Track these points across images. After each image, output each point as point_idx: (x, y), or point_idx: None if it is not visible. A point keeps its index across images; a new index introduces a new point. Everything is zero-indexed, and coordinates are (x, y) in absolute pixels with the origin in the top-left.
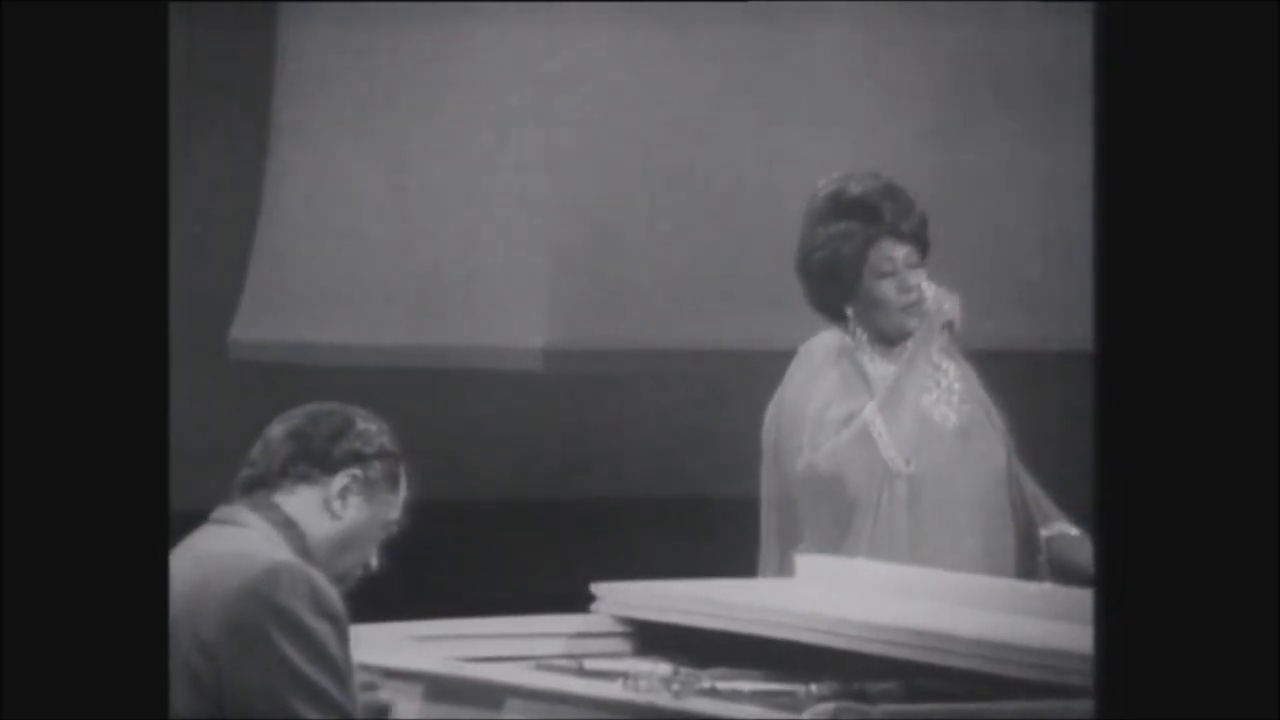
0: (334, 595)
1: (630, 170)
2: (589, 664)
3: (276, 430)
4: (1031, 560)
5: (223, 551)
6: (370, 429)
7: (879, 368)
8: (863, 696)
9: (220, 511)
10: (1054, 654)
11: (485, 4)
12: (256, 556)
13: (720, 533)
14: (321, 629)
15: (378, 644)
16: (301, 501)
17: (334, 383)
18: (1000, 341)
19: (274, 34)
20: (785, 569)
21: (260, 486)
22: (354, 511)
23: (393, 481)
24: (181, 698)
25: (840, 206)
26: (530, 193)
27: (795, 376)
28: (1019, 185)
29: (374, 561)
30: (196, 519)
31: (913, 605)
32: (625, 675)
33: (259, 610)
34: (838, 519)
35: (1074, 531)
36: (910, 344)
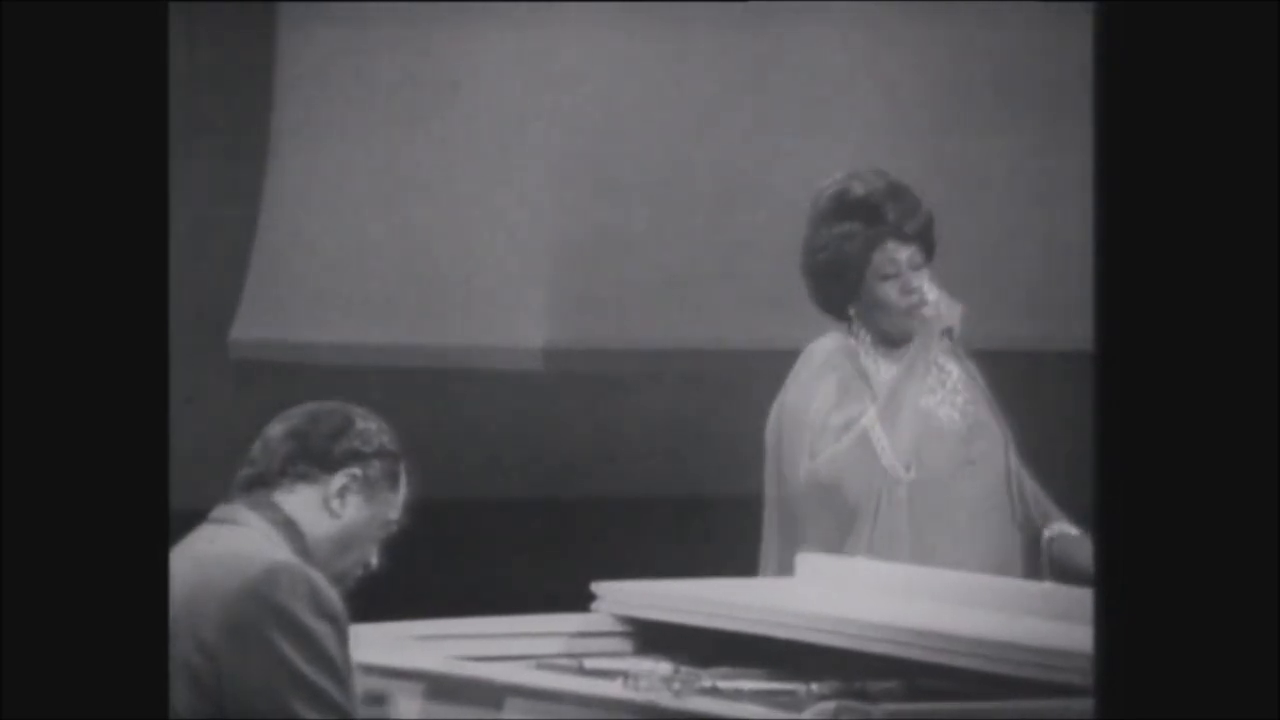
0: (334, 595)
1: (630, 170)
2: (589, 663)
3: (276, 429)
4: (1034, 560)
5: (222, 551)
6: (370, 428)
7: (881, 369)
8: (863, 695)
9: (220, 511)
10: (1054, 653)
11: (485, 4)
12: (256, 556)
13: (720, 533)
14: (321, 629)
15: (378, 644)
16: (301, 501)
17: (334, 382)
18: (1000, 341)
19: (274, 35)
20: (786, 569)
21: (260, 485)
22: (353, 511)
23: (392, 480)
24: (181, 698)
25: (844, 206)
26: (530, 193)
27: (798, 378)
28: (1019, 185)
29: (374, 561)
30: (196, 519)
31: (913, 604)
32: (625, 674)
33: (258, 610)
34: (839, 524)
35: (1074, 531)
36: (910, 349)
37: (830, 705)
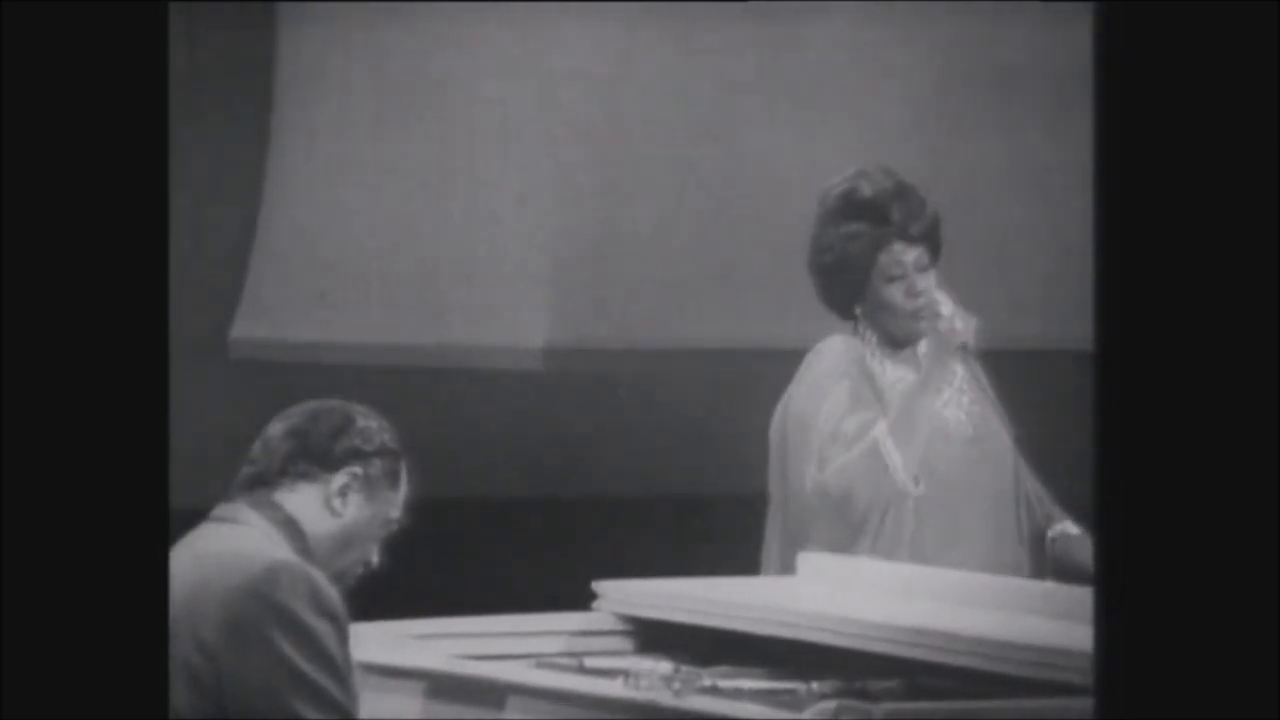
0: (334, 594)
1: (630, 170)
2: (590, 662)
3: (277, 428)
4: (1039, 561)
5: (222, 550)
6: (371, 426)
7: (887, 370)
8: (864, 695)
9: (220, 509)
10: (1055, 652)
11: (486, 4)
12: (256, 555)
13: (720, 533)
14: (321, 628)
15: (378, 643)
16: (302, 499)
17: (334, 382)
18: (1000, 341)
19: (274, 34)
20: (788, 568)
21: (260, 484)
22: (354, 510)
23: (393, 479)
24: (181, 697)
25: (851, 207)
26: (530, 192)
27: (803, 380)
28: (1020, 184)
29: (374, 560)
30: (196, 518)
31: (914, 604)
32: (626, 673)
33: (259, 609)
34: (846, 532)
35: (1075, 531)
36: (923, 363)
37: (831, 704)
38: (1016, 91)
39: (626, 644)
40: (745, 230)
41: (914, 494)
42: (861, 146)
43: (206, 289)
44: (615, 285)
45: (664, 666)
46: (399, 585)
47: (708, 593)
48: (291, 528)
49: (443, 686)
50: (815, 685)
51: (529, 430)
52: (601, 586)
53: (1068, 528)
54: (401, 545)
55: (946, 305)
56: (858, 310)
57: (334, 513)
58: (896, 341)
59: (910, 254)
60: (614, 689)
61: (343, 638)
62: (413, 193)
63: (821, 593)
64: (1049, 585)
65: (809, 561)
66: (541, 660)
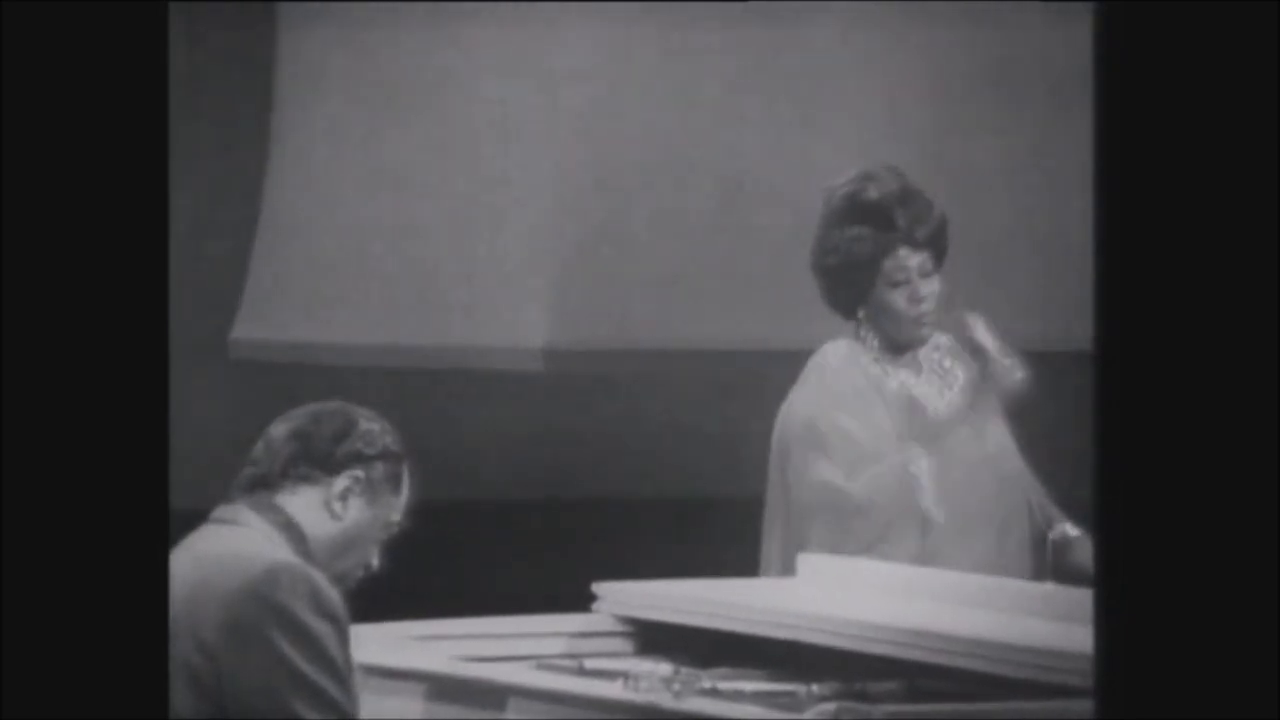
0: (334, 595)
1: (630, 170)
2: (590, 664)
3: (279, 430)
4: (1038, 562)
5: (223, 551)
6: (373, 429)
7: (889, 374)
8: (864, 696)
9: (221, 511)
10: (1055, 654)
11: (485, 4)
12: (257, 557)
13: (720, 533)
14: (321, 629)
15: (378, 644)
16: (303, 502)
17: (334, 383)
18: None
19: (274, 34)
20: (787, 570)
21: (261, 486)
22: (355, 513)
23: (395, 483)
24: (181, 698)
25: (856, 210)
26: (530, 192)
27: (807, 385)
28: (1019, 185)
29: (375, 562)
30: (196, 519)
31: (914, 605)
32: (626, 675)
33: (259, 610)
34: (856, 541)
35: (1075, 532)
36: (970, 402)
37: (830, 706)
38: (1016, 91)
39: (626, 645)
40: (745, 230)
41: (938, 521)
42: (861, 146)
43: (206, 289)
44: (615, 285)
45: (664, 668)
46: (399, 586)
47: (707, 594)
48: (292, 530)
49: (443, 688)
50: (815, 687)
51: (529, 431)
52: (601, 588)
53: (1068, 529)
54: (401, 546)
55: (994, 343)
56: (860, 313)
57: (335, 516)
58: (898, 346)
59: (914, 259)
60: (614, 691)
61: (343, 639)
62: (412, 193)
63: (821, 594)
64: (1049, 587)
65: (809, 563)
66: (541, 662)
